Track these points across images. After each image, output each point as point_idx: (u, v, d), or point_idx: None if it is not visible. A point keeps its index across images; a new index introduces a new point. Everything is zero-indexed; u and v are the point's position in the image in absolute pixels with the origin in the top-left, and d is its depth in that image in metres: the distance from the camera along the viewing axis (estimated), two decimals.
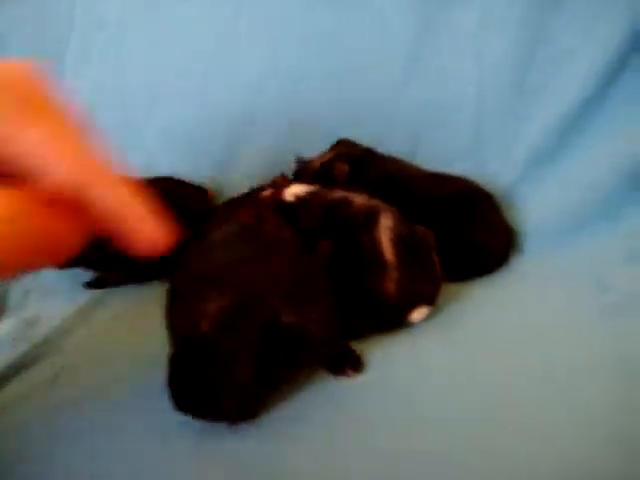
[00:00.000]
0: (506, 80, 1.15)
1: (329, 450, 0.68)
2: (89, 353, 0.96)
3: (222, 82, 1.27)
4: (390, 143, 1.17)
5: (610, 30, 1.07)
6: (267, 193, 1.03)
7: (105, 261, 1.11)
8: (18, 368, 0.91)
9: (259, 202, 1.02)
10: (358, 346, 0.85)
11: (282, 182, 1.07)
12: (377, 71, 1.21)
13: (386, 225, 0.89)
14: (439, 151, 1.18)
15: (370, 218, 0.90)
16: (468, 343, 0.86)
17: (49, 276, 1.16)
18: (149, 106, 1.29)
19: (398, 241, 0.88)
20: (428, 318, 0.90)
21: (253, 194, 1.10)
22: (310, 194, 0.98)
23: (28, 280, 1.16)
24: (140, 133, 1.30)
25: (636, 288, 0.93)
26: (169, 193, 1.15)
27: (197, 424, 0.70)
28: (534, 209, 1.13)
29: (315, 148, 1.15)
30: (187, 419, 0.69)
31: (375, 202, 0.95)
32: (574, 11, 1.10)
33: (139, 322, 1.04)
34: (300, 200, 0.98)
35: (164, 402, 0.68)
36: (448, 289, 0.95)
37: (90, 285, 1.17)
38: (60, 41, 1.29)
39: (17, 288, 1.15)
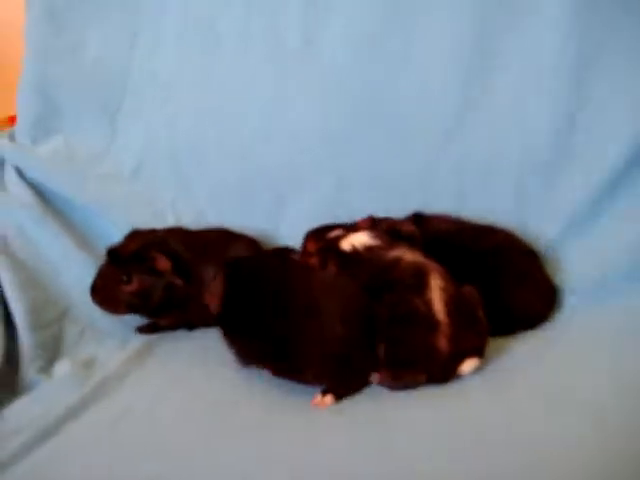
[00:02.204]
0: (547, 142, 1.20)
1: None
2: (146, 396, 1.00)
3: (271, 135, 1.33)
4: (436, 203, 1.23)
5: None
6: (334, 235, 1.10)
7: (158, 308, 1.17)
8: (78, 409, 0.97)
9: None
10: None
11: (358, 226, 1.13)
12: (420, 134, 1.26)
13: (437, 285, 0.96)
14: (483, 209, 1.22)
15: (419, 278, 0.97)
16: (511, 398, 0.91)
17: (103, 319, 1.21)
18: (199, 161, 1.35)
19: (448, 300, 0.95)
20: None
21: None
22: (366, 249, 1.03)
23: (83, 322, 1.21)
24: (190, 186, 1.36)
25: None
26: (222, 242, 1.21)
27: None
28: (575, 267, 1.17)
29: (360, 208, 1.21)
30: None
31: (424, 260, 1.00)
32: (614, 78, 1.15)
33: (192, 367, 1.10)
34: (355, 253, 1.04)
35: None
36: (490, 343, 1.00)
37: (142, 330, 1.21)
38: (114, 95, 1.37)
39: (72, 329, 1.20)
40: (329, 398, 0.94)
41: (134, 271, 1.12)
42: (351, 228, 1.12)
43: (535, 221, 1.21)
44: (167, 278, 1.14)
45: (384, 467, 0.79)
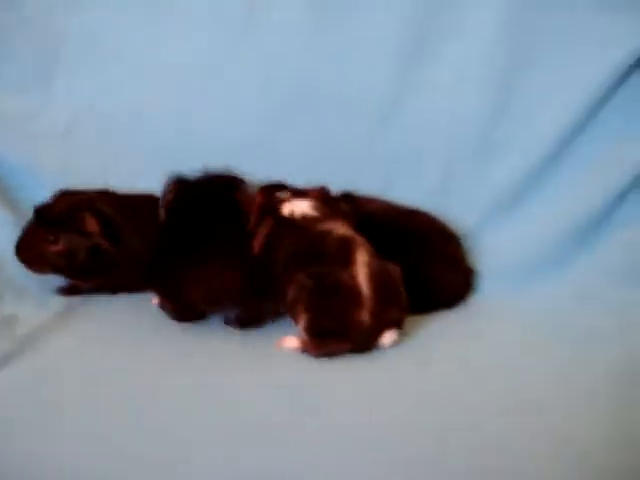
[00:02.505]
0: (475, 132, 1.26)
1: None
2: (71, 355, 0.99)
3: (208, 107, 1.33)
4: (365, 185, 1.26)
5: (571, 89, 1.20)
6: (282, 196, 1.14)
7: (84, 270, 1.16)
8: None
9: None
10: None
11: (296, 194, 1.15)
12: (356, 116, 1.30)
13: (362, 260, 1.00)
14: (409, 192, 1.27)
15: (346, 252, 1.00)
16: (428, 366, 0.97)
17: (22, 278, 1.19)
18: (133, 127, 1.34)
19: (372, 275, 0.99)
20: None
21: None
22: (303, 217, 1.07)
23: (2, 279, 1.18)
24: (122, 152, 1.35)
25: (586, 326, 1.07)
26: (151, 207, 1.21)
27: None
28: (492, 253, 1.24)
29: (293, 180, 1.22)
30: None
31: (353, 235, 1.03)
32: (542, 72, 1.23)
33: (118, 327, 1.10)
34: (291, 219, 1.07)
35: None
36: (409, 320, 1.05)
37: (63, 291, 1.20)
38: (52, 52, 1.33)
39: None
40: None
41: (61, 231, 1.11)
42: (299, 194, 1.14)
43: (459, 207, 1.27)
44: (94, 240, 1.13)
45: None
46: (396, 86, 1.27)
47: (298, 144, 1.32)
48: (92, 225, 1.12)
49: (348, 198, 1.20)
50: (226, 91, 1.32)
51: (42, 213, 1.13)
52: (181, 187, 1.16)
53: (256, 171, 1.25)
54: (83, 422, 0.82)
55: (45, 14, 1.32)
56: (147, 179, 1.30)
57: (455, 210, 1.26)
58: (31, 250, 1.12)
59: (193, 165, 1.23)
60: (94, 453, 0.76)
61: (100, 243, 1.13)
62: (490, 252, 1.24)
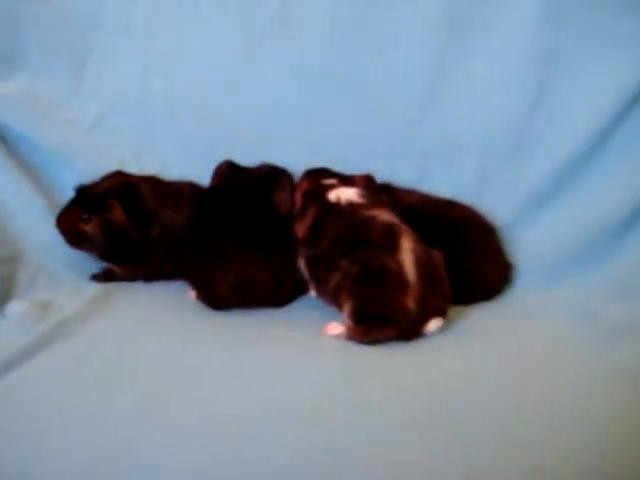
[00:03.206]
0: (511, 127, 1.26)
1: None
2: (107, 341, 0.98)
3: (242, 97, 1.33)
4: (401, 177, 1.27)
5: (607, 88, 1.20)
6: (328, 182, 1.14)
7: (114, 254, 1.17)
8: (39, 346, 0.94)
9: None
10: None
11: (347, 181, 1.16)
12: (392, 108, 1.30)
13: (407, 247, 0.99)
14: (444, 185, 1.27)
15: (391, 238, 1.00)
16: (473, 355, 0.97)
17: (56, 265, 1.19)
18: (168, 113, 1.34)
19: (417, 262, 0.98)
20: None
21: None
22: (349, 204, 1.07)
23: (35, 266, 1.18)
24: (157, 138, 1.34)
25: (620, 321, 1.05)
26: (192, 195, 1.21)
27: None
28: (527, 247, 1.24)
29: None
30: None
31: (397, 222, 1.04)
32: (578, 69, 1.23)
33: (154, 312, 1.10)
34: (338, 205, 1.07)
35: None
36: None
37: (97, 277, 1.19)
38: (83, 41, 1.33)
39: (24, 272, 1.16)
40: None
41: (94, 213, 1.13)
42: (346, 181, 1.15)
43: (494, 200, 1.27)
44: (123, 226, 1.13)
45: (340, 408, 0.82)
46: (433, 79, 1.27)
47: (334, 137, 1.31)
48: (119, 214, 1.13)
49: (386, 189, 1.20)
50: (261, 82, 1.32)
51: (83, 192, 1.14)
52: (230, 172, 1.19)
53: (291, 163, 1.26)
54: (125, 405, 0.81)
55: (76, 4, 1.31)
56: (179, 168, 1.32)
57: (489, 204, 1.26)
58: (67, 224, 1.14)
59: (227, 155, 1.24)
60: (139, 432, 0.76)
61: (129, 230, 1.13)
62: (524, 246, 1.24)
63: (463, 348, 0.98)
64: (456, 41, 1.25)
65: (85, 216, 1.12)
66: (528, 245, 1.23)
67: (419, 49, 1.27)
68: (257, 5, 1.29)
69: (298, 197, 1.14)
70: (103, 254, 1.18)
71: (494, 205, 1.26)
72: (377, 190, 1.14)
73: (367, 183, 1.15)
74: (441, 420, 0.79)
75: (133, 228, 1.13)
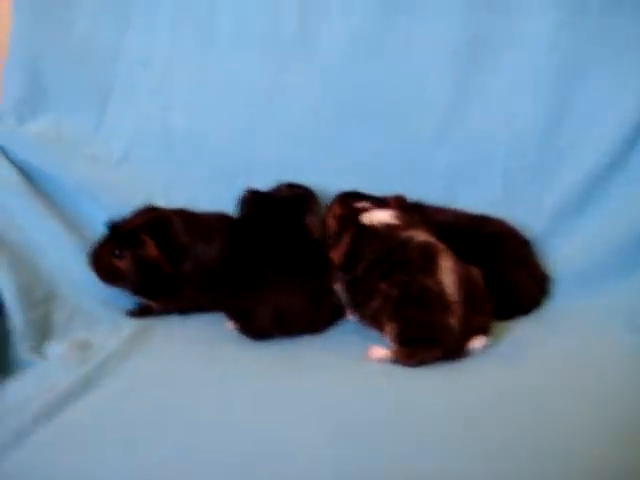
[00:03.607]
0: (534, 141, 1.26)
1: None
2: (149, 378, 0.98)
3: (265, 125, 1.33)
4: (427, 194, 1.26)
5: (630, 95, 1.21)
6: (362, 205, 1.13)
7: (149, 289, 1.16)
8: (82, 389, 0.93)
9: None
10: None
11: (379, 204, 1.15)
12: (414, 129, 1.30)
13: (447, 266, 0.99)
14: (472, 203, 1.26)
15: (429, 258, 1.00)
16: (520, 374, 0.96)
17: (92, 303, 1.19)
18: (192, 145, 1.34)
19: (458, 281, 0.98)
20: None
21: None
22: (384, 227, 1.06)
23: (71, 305, 1.17)
24: (183, 170, 1.34)
25: None
26: (224, 227, 1.20)
27: None
28: (560, 259, 1.23)
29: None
30: None
31: (434, 241, 1.03)
32: (599, 78, 1.23)
33: (192, 347, 1.09)
34: (374, 228, 1.06)
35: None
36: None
37: (133, 314, 1.19)
38: (104, 77, 1.34)
39: (61, 312, 1.16)
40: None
41: (127, 249, 1.13)
42: (379, 203, 1.14)
43: (522, 214, 1.25)
44: (156, 262, 1.13)
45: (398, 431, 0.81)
46: (454, 96, 1.28)
47: (358, 158, 1.32)
48: (151, 249, 1.12)
49: (418, 208, 1.19)
50: (282, 108, 1.32)
51: (115, 227, 1.14)
52: (256, 200, 1.19)
53: (316, 186, 1.26)
54: (174, 441, 0.81)
55: (94, 36, 1.33)
56: (205, 200, 1.31)
57: (519, 217, 1.24)
58: (100, 261, 1.13)
59: (253, 183, 1.23)
60: (190, 468, 0.75)
61: (162, 265, 1.13)
62: (556, 258, 1.23)
63: (511, 365, 0.97)
64: (477, 57, 1.26)
65: (118, 252, 1.12)
66: (560, 257, 1.23)
67: (439, 68, 1.27)
68: (275, 35, 1.31)
69: (332, 222, 1.13)
70: (137, 289, 1.17)
71: (523, 218, 1.24)
72: (410, 210, 1.14)
73: (399, 204, 1.14)
74: (504, 437, 0.79)
75: (166, 263, 1.13)
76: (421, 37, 1.26)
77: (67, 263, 1.20)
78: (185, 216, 1.21)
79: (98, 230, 1.20)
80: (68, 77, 1.32)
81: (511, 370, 0.95)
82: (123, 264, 1.12)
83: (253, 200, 1.19)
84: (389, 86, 1.29)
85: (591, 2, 1.20)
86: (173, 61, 1.33)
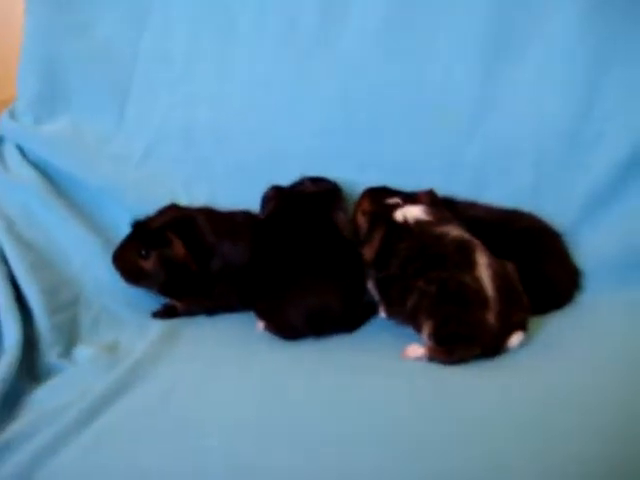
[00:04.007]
0: (563, 131, 1.24)
1: None
2: (184, 381, 0.96)
3: (288, 120, 1.31)
4: (456, 189, 1.24)
5: None
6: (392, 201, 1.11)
7: (175, 289, 1.14)
8: (117, 393, 0.91)
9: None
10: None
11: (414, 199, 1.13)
12: (442, 122, 1.28)
13: (483, 262, 0.97)
14: (502, 196, 1.25)
15: (466, 254, 0.98)
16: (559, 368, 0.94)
17: (117, 304, 1.18)
18: (214, 143, 1.32)
19: (495, 277, 0.96)
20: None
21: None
22: (417, 223, 1.04)
23: (96, 307, 1.16)
24: (206, 165, 1.32)
25: None
26: (250, 225, 1.18)
27: None
28: (591, 251, 1.21)
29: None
30: None
31: (469, 237, 1.01)
32: (626, 69, 1.21)
33: (225, 348, 1.07)
34: (406, 224, 1.04)
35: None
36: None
37: (158, 314, 1.17)
38: (124, 74, 1.31)
39: (86, 314, 1.14)
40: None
41: (153, 248, 1.11)
42: (410, 199, 1.12)
43: (553, 206, 1.23)
44: (183, 261, 1.11)
45: (446, 430, 0.79)
46: (481, 89, 1.26)
47: (384, 153, 1.29)
48: (179, 248, 1.11)
49: (448, 204, 1.17)
50: (305, 104, 1.30)
51: (140, 227, 1.12)
52: (281, 196, 1.18)
53: (341, 181, 1.24)
54: (215, 445, 0.79)
55: (114, 37, 1.31)
56: (227, 196, 1.30)
57: (549, 210, 1.22)
58: (125, 261, 1.12)
59: (275, 179, 1.22)
60: (234, 472, 0.75)
61: (189, 264, 1.11)
62: (588, 250, 1.20)
63: (551, 360, 0.95)
64: (500, 47, 1.24)
65: (144, 252, 1.10)
66: (592, 249, 1.20)
67: (463, 58, 1.25)
68: (296, 24, 1.28)
69: (361, 219, 1.12)
70: (162, 289, 1.15)
71: (554, 211, 1.22)
72: (440, 206, 1.12)
73: (430, 199, 1.13)
74: (552, 437, 0.76)
75: (193, 262, 1.11)
76: (445, 31, 1.24)
77: (91, 264, 1.18)
78: (210, 214, 1.19)
79: (121, 230, 1.20)
80: (86, 76, 1.30)
81: (551, 366, 0.93)
82: (149, 264, 1.10)
83: (277, 197, 1.18)
84: (415, 81, 1.27)
85: None
86: (193, 56, 1.31)
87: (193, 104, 1.31)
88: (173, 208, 1.16)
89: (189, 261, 1.11)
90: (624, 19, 1.19)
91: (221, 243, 1.14)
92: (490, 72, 1.25)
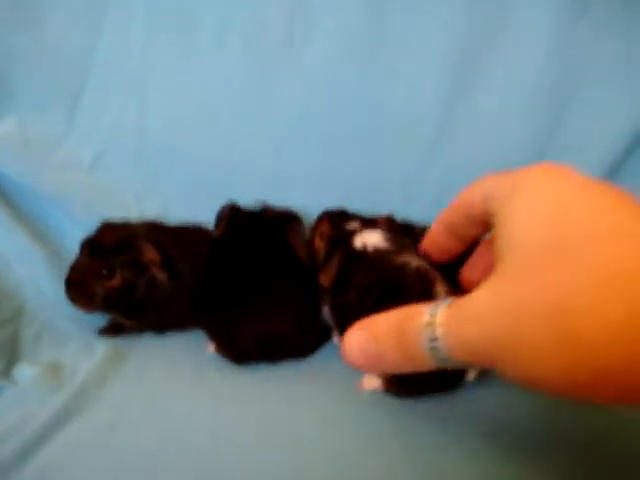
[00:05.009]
0: (524, 160, 1.22)
1: None
2: (133, 408, 0.92)
3: (246, 135, 1.27)
4: (416, 213, 1.21)
5: (619, 119, 1.21)
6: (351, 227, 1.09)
7: (137, 307, 1.08)
8: (62, 421, 0.88)
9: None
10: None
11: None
12: (403, 144, 1.27)
13: (442, 292, 0.95)
14: None
15: (426, 285, 0.96)
16: None
17: (60, 320, 1.12)
18: (167, 155, 1.27)
19: None
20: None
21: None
22: (375, 251, 1.01)
23: (39, 322, 1.11)
24: (157, 178, 1.28)
25: None
26: (202, 240, 1.14)
27: None
28: None
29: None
30: None
31: (428, 267, 0.99)
32: (585, 101, 1.22)
33: (176, 370, 1.03)
34: (365, 251, 1.02)
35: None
36: None
37: (105, 332, 1.12)
38: (76, 77, 1.24)
39: (28, 330, 1.09)
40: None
41: (117, 264, 1.03)
42: (369, 223, 1.10)
43: None
44: (151, 273, 1.06)
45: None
46: (443, 113, 1.25)
47: (343, 172, 1.27)
48: (152, 254, 1.04)
49: (407, 229, 1.16)
50: (264, 119, 1.26)
51: (95, 244, 1.05)
52: (236, 215, 1.15)
53: (299, 200, 1.22)
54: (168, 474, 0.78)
55: (66, 36, 1.23)
56: (180, 210, 1.26)
57: None
58: (83, 287, 1.03)
59: (229, 195, 1.18)
60: None
61: (156, 276, 1.06)
62: None
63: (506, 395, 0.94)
64: (467, 75, 1.23)
65: (105, 271, 1.02)
66: None
67: (432, 78, 1.24)
68: (259, 38, 1.24)
69: (319, 243, 1.10)
70: (124, 311, 1.09)
71: None
72: (399, 231, 1.11)
73: (389, 224, 1.11)
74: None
75: (165, 271, 1.05)
76: (411, 50, 1.22)
77: (35, 276, 1.13)
78: (159, 228, 1.14)
79: (67, 241, 1.16)
80: (36, 76, 1.23)
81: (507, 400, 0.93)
82: (115, 282, 1.03)
83: (235, 215, 1.15)
84: (378, 101, 1.25)
85: (581, 25, 1.19)
86: (149, 62, 1.24)
87: (147, 113, 1.26)
88: (111, 225, 1.09)
89: (160, 269, 1.05)
90: (591, 49, 1.20)
91: (176, 256, 1.08)
92: (454, 96, 1.24)
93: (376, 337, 0.79)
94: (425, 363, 0.74)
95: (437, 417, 0.90)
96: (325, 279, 1.05)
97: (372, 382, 0.96)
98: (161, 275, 1.06)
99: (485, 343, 0.61)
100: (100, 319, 1.13)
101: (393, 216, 1.15)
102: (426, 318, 0.67)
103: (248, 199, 1.19)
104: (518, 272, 0.60)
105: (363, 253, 1.02)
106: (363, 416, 0.91)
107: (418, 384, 0.94)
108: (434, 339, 0.67)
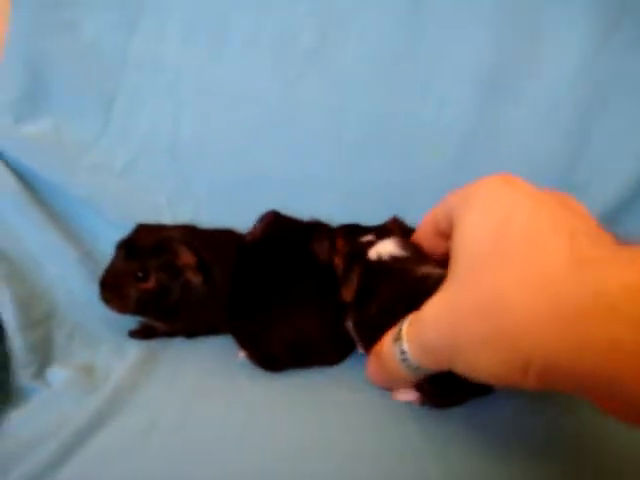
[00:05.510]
0: (553, 175, 1.25)
1: None
2: (166, 413, 0.92)
3: (276, 139, 1.27)
4: None
5: None
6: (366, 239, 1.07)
7: (171, 310, 1.07)
8: (96, 425, 0.88)
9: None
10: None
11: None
12: (431, 154, 1.27)
13: None
14: None
15: None
16: None
17: (92, 321, 1.12)
18: (200, 157, 1.27)
19: None
20: None
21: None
22: (393, 259, 1.00)
23: (70, 324, 1.11)
24: (190, 181, 1.28)
25: None
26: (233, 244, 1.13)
27: None
28: None
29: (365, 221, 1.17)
30: None
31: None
32: (618, 113, 1.22)
33: (208, 376, 1.03)
34: (381, 263, 1.00)
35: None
36: None
37: (136, 334, 1.12)
38: (111, 80, 1.25)
39: (60, 331, 1.09)
40: None
41: (152, 267, 1.03)
42: (381, 232, 1.08)
43: None
44: (186, 276, 1.05)
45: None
46: (473, 124, 1.25)
47: (370, 181, 1.27)
48: (188, 258, 1.04)
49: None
50: (295, 124, 1.27)
51: (131, 246, 1.04)
52: (276, 221, 1.15)
53: (326, 208, 1.22)
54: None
55: (102, 39, 1.24)
56: (210, 213, 1.26)
57: None
58: (118, 289, 1.02)
59: (258, 203, 1.18)
60: None
61: (191, 279, 1.05)
62: None
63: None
64: (495, 84, 1.23)
65: (140, 274, 1.01)
66: None
67: (462, 92, 1.24)
68: (291, 41, 1.24)
69: (337, 259, 1.08)
70: (158, 314, 1.08)
71: None
72: (409, 233, 1.08)
73: (398, 226, 1.11)
74: None
75: (200, 275, 1.05)
76: (444, 64, 1.23)
77: (66, 278, 1.13)
78: (193, 231, 1.14)
79: (100, 243, 1.17)
80: (72, 78, 1.23)
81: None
82: (149, 285, 1.02)
83: (273, 222, 1.15)
84: (407, 111, 1.25)
85: (612, 41, 1.19)
86: (182, 67, 1.25)
87: (179, 115, 1.26)
88: (147, 227, 1.09)
89: (196, 273, 1.04)
90: (621, 61, 1.20)
91: (211, 261, 1.08)
92: (483, 111, 1.24)
93: (372, 359, 0.90)
94: (403, 376, 0.80)
95: (469, 425, 0.89)
96: (347, 294, 1.04)
97: (407, 395, 0.96)
98: (195, 279, 1.06)
99: (439, 346, 0.69)
100: (131, 321, 1.13)
101: (400, 219, 1.14)
102: (395, 334, 0.76)
103: (277, 204, 1.19)
104: (463, 277, 0.68)
105: (381, 263, 1.01)
106: (395, 424, 0.90)
107: (453, 393, 0.92)
108: (403, 352, 0.75)
